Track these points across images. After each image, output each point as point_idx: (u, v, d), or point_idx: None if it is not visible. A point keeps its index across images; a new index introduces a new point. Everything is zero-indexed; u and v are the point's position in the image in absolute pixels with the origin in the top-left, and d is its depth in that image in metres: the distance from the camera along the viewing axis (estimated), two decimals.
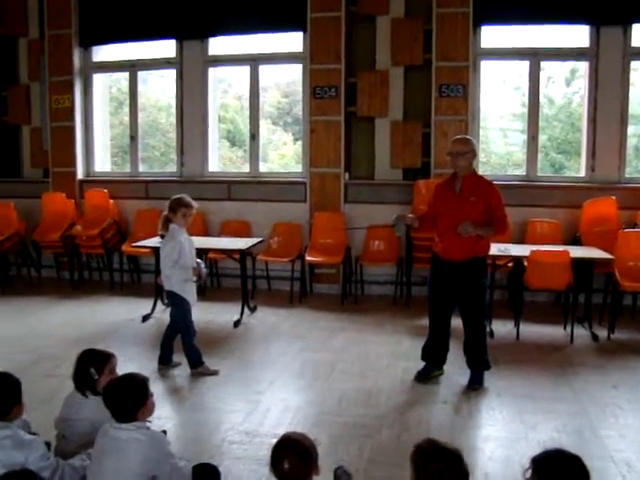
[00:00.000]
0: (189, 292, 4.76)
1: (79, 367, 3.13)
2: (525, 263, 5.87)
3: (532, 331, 5.88)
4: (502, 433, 3.75)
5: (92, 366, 3.15)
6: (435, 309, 4.67)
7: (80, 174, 8.37)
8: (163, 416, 3.98)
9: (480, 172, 7.44)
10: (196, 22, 7.83)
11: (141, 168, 8.64)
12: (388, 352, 5.28)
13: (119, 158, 9.20)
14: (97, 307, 6.97)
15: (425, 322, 6.06)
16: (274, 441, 3.60)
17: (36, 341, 5.67)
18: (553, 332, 5.88)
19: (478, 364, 4.55)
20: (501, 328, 5.92)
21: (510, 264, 6.26)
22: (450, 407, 4.16)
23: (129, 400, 2.65)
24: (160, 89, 9.44)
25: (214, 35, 7.92)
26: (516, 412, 4.03)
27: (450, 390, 4.46)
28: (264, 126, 8.82)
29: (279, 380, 4.70)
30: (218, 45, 8.00)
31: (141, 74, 8.62)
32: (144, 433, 2.64)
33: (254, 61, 7.91)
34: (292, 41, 7.74)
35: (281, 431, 3.74)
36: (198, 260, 4.79)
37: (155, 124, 9.73)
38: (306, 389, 4.55)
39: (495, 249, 5.80)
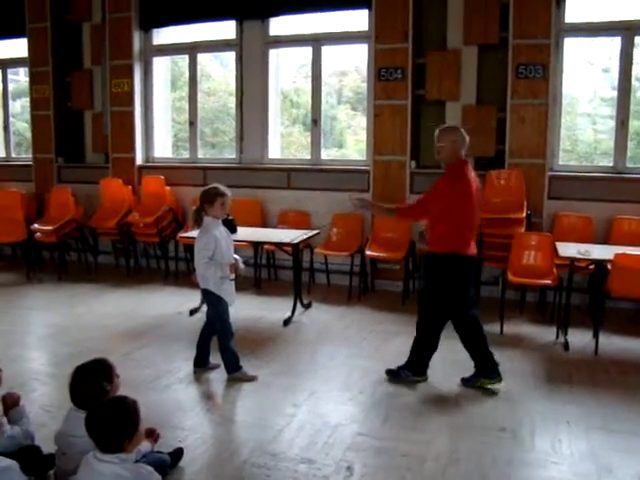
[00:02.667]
0: (226, 290, 4.38)
1: (87, 385, 2.82)
2: (609, 267, 5.19)
3: (613, 344, 5.19)
4: (568, 475, 3.16)
5: (102, 379, 2.84)
6: None
7: (139, 160, 8.21)
8: (186, 427, 3.67)
9: (563, 162, 6.81)
10: (256, 1, 7.45)
11: (211, 153, 8.46)
12: (445, 362, 4.71)
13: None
14: (148, 297, 6.77)
15: (494, 328, 5.58)
16: (302, 468, 3.27)
17: (80, 333, 5.51)
18: (638, 347, 5.17)
19: (408, 360, 4.42)
20: (578, 339, 5.25)
21: (592, 266, 5.56)
22: (509, 436, 3.59)
23: (116, 429, 2.29)
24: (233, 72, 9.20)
25: (275, 15, 7.52)
26: (588, 448, 3.43)
27: (511, 413, 3.89)
28: (343, 111, 8.48)
29: (320, 391, 4.27)
30: (279, 25, 7.59)
31: (215, 56, 8.46)
32: (128, 468, 2.28)
33: (317, 41, 7.45)
34: (357, 19, 7.21)
35: (312, 455, 3.37)
36: (236, 256, 4.41)
37: (226, 109, 9.48)
38: (348, 404, 4.08)
39: (574, 250, 5.20)
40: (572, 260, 5.17)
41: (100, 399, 2.73)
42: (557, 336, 5.36)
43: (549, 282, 5.68)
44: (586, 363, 4.80)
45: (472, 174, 4.26)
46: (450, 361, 4.73)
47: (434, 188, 4.23)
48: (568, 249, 5.26)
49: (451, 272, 4.21)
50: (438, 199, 4.18)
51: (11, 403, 3.00)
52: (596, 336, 5.09)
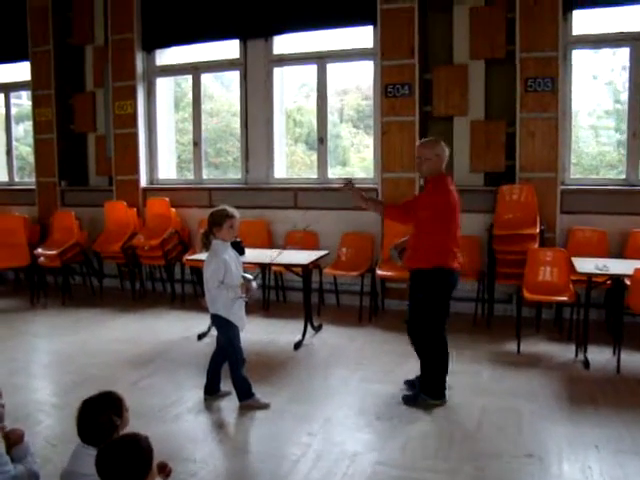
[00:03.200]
0: (237, 314, 4.22)
1: (96, 420, 2.66)
2: (627, 282, 5.05)
3: (635, 362, 5.03)
4: None
5: (112, 413, 2.69)
6: None
7: (143, 182, 8.11)
8: (198, 459, 3.52)
9: (571, 174, 6.70)
10: (260, 20, 7.41)
11: (214, 174, 8.37)
12: (464, 385, 4.58)
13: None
14: (155, 322, 6.63)
15: (510, 347, 5.43)
16: None
17: (85, 359, 5.36)
18: None
19: (421, 384, 4.31)
20: (598, 357, 5.10)
21: (609, 281, 5.42)
22: (537, 462, 3.43)
23: (129, 471, 2.14)
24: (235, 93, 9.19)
25: (279, 33, 7.47)
26: (620, 474, 3.26)
27: (536, 438, 3.72)
28: (346, 129, 8.45)
29: (335, 417, 4.11)
30: (283, 44, 7.53)
31: (216, 77, 8.46)
32: None
33: (321, 59, 7.38)
34: (362, 36, 7.15)
35: None
36: (246, 275, 4.22)
37: (229, 129, 9.42)
38: (365, 430, 3.93)
39: (592, 265, 5.06)
40: (590, 276, 5.03)
41: (110, 435, 2.58)
42: (576, 354, 5.19)
43: (566, 299, 5.52)
44: (609, 382, 4.64)
45: (453, 187, 4.24)
46: (469, 384, 4.59)
47: (419, 201, 4.26)
48: (586, 264, 5.12)
49: (437, 286, 4.20)
50: (423, 211, 4.13)
51: (14, 440, 2.85)
52: (617, 353, 4.93)
